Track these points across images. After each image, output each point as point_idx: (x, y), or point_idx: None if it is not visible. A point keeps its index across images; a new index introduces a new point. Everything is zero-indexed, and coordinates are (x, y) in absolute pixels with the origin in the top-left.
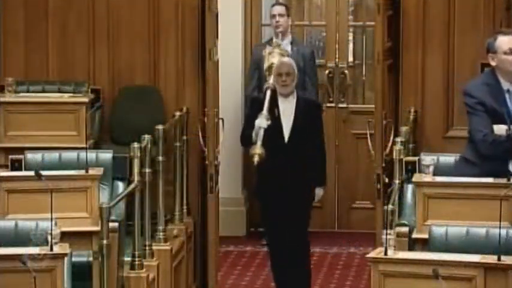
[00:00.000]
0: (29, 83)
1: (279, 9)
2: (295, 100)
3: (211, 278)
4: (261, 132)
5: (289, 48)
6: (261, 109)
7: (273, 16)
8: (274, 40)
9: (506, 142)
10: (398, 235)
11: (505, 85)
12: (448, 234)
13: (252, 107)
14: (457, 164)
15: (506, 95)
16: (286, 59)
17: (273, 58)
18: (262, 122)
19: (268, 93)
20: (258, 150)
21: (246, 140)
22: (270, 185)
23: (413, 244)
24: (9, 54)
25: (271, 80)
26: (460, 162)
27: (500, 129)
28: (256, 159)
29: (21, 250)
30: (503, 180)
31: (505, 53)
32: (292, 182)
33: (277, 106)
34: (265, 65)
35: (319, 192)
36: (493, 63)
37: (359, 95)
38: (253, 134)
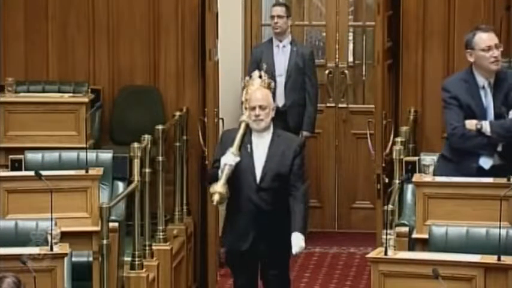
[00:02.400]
0: (29, 83)
1: (278, 11)
2: (270, 136)
3: (211, 278)
4: (227, 170)
5: (288, 48)
6: (232, 145)
7: (272, 17)
8: (257, 73)
9: (476, 137)
10: (398, 235)
11: (481, 81)
12: (448, 234)
13: (222, 143)
14: (437, 163)
15: (482, 92)
16: (260, 91)
17: (251, 91)
18: (229, 158)
19: (242, 127)
20: (219, 188)
21: (212, 179)
22: (239, 233)
23: (413, 244)
24: (9, 54)
25: (246, 114)
26: (439, 160)
27: (471, 124)
28: (216, 198)
29: (21, 250)
30: (503, 180)
31: (483, 50)
32: (265, 229)
33: (250, 142)
34: (243, 97)
35: (297, 240)
36: (470, 59)
37: (359, 95)
38: (219, 172)
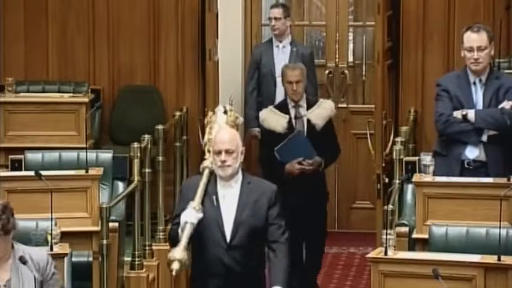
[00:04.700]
0: (29, 83)
1: (275, 13)
2: (240, 184)
3: None
4: (188, 230)
5: (288, 48)
6: (194, 197)
7: (270, 19)
8: (221, 108)
9: (460, 123)
10: (398, 235)
11: (472, 78)
12: (448, 234)
13: (183, 195)
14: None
15: (473, 87)
16: (227, 131)
17: (215, 129)
18: (190, 215)
19: (205, 175)
20: (178, 254)
21: (172, 239)
22: None
23: (413, 244)
24: (9, 54)
25: (209, 158)
26: (434, 157)
27: (457, 113)
28: (175, 266)
29: None
30: (503, 180)
31: (466, 49)
32: None
33: (215, 193)
34: (205, 137)
35: None
36: (462, 54)
37: (359, 95)
38: (179, 231)
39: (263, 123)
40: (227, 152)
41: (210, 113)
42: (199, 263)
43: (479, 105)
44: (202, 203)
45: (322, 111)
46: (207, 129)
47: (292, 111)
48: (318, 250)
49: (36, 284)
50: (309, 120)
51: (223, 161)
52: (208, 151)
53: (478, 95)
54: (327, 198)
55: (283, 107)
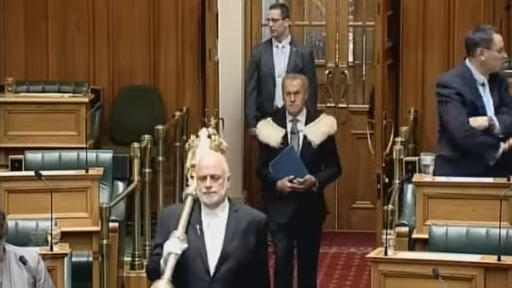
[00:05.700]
0: (29, 83)
1: (273, 14)
2: (226, 213)
3: None
4: (172, 261)
5: (288, 48)
6: (177, 226)
7: (268, 20)
8: (205, 131)
9: (485, 136)
10: (398, 235)
11: (480, 78)
12: (448, 234)
13: (163, 223)
14: (437, 164)
15: (480, 88)
16: (212, 156)
17: (198, 154)
18: (173, 245)
19: (188, 203)
20: (162, 287)
21: (153, 271)
22: None
23: (413, 244)
24: (9, 54)
25: (193, 184)
26: (440, 162)
27: (475, 121)
28: None
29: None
30: (503, 180)
31: (497, 51)
32: None
33: (199, 221)
34: (187, 163)
35: None
36: (481, 58)
37: (359, 95)
38: (161, 262)
39: (258, 135)
40: (212, 177)
41: (192, 137)
42: None
43: (490, 106)
44: (186, 232)
45: (320, 128)
46: (190, 154)
47: (289, 126)
48: (309, 270)
49: (29, 285)
50: (305, 136)
51: (209, 187)
52: (192, 177)
53: (487, 96)
54: (323, 217)
55: (281, 120)
